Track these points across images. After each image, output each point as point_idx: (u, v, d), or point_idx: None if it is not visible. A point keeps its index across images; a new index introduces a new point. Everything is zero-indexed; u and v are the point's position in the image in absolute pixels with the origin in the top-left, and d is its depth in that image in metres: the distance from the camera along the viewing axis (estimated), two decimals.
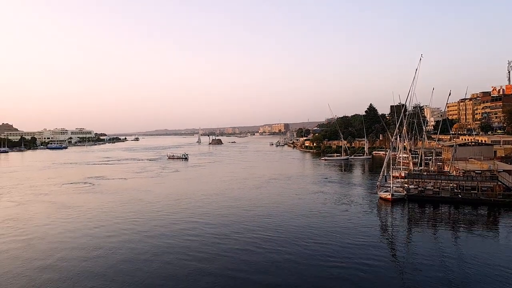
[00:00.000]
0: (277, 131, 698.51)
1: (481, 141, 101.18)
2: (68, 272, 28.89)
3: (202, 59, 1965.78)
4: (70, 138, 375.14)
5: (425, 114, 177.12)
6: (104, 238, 38.02)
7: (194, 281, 26.86)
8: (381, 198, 55.93)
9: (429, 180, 57.56)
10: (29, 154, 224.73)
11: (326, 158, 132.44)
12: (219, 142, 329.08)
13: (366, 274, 27.63)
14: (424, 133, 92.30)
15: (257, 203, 55.48)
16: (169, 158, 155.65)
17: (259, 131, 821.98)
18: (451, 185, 54.81)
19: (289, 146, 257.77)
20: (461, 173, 59.36)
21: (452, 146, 73.78)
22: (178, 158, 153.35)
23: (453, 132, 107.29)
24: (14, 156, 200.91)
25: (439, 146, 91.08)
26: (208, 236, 38.05)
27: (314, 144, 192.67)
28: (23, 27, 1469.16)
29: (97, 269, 29.45)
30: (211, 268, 29.17)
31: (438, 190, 54.53)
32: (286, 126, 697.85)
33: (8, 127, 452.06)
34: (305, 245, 34.60)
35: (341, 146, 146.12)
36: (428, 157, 79.77)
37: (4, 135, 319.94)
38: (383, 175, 59.82)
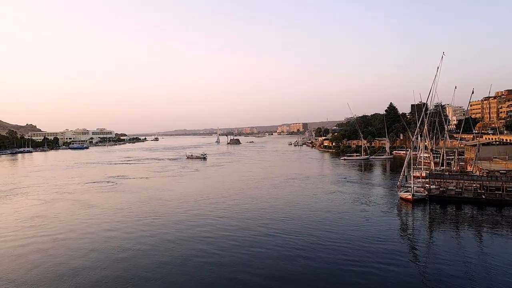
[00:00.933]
0: (295, 130, 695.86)
1: (506, 140, 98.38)
2: (98, 275, 29.59)
3: (220, 60, 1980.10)
4: (91, 138, 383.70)
5: (447, 113, 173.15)
6: (128, 240, 38.81)
7: (208, 284, 26.77)
8: (401, 198, 55.06)
9: (451, 180, 56.27)
10: (52, 154, 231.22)
11: (345, 157, 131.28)
12: (237, 142, 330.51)
13: (384, 278, 27.00)
14: (446, 132, 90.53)
15: (275, 203, 55.43)
16: (188, 158, 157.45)
17: (277, 131, 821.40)
18: (474, 185, 53.52)
19: (307, 145, 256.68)
20: (484, 173, 57.97)
21: (475, 145, 72.09)
22: (197, 157, 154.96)
23: (477, 131, 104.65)
24: (38, 156, 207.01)
25: (462, 145, 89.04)
26: (224, 237, 38.11)
27: (333, 144, 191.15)
28: (44, 30, 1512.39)
29: (125, 273, 30.01)
30: (226, 270, 29.10)
31: (460, 190, 53.32)
32: (305, 125, 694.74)
33: (32, 128, 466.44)
34: (322, 246, 34.22)
35: (360, 146, 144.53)
36: (450, 157, 78.13)
37: (28, 136, 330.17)
38: (403, 175, 58.88)
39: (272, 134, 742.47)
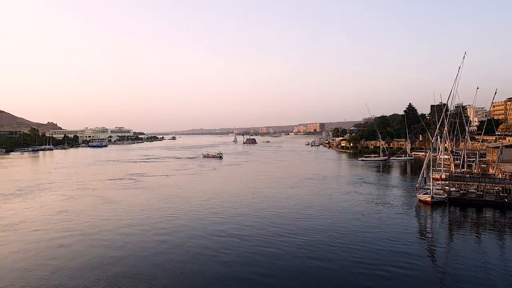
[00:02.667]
0: (312, 130, 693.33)
1: None
2: (123, 270, 30.57)
3: (235, 60, 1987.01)
4: (110, 136, 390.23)
5: (468, 114, 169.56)
6: (147, 236, 39.94)
7: (216, 283, 26.81)
8: (420, 200, 54.31)
9: (472, 183, 55.25)
10: (72, 151, 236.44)
11: (363, 158, 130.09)
12: (253, 141, 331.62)
13: (399, 282, 26.38)
14: (467, 133, 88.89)
15: (289, 203, 55.29)
16: (204, 156, 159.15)
17: (294, 131, 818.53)
18: (496, 188, 52.38)
19: (324, 146, 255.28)
20: (507, 175, 56.85)
21: (498, 147, 70.74)
22: (213, 157, 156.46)
23: (499, 133, 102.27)
24: (58, 154, 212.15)
25: (483, 147, 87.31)
26: (236, 236, 38.31)
27: (351, 144, 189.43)
28: (68, 28, 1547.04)
29: (142, 269, 30.80)
30: (235, 270, 29.11)
31: (482, 193, 52.23)
32: (322, 125, 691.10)
33: (53, 126, 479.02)
34: (336, 249, 33.62)
35: (379, 147, 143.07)
36: (471, 159, 76.74)
37: (49, 134, 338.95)
38: (422, 177, 58.27)
39: (288, 134, 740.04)
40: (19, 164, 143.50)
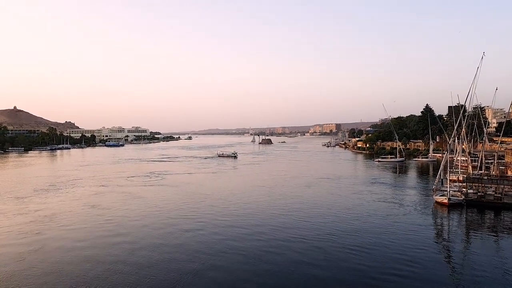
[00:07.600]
0: (328, 131, 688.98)
1: None
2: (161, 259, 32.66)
3: (251, 61, 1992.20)
4: (127, 136, 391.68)
5: (487, 115, 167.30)
6: (168, 229, 42.01)
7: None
8: (437, 202, 54.48)
9: (490, 185, 55.25)
10: (89, 151, 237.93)
11: (379, 159, 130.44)
12: (269, 142, 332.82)
13: (416, 285, 25.94)
14: (485, 135, 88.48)
15: (303, 202, 56.10)
16: (219, 156, 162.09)
17: (310, 131, 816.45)
18: None
19: (340, 146, 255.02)
20: None
21: None
22: (228, 156, 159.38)
23: None
24: (76, 153, 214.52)
25: (502, 149, 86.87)
26: (239, 237, 38.58)
27: (367, 145, 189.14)
28: (86, 27, 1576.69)
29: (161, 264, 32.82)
30: (240, 272, 28.99)
31: (500, 195, 52.25)
32: (338, 126, 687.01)
33: (70, 125, 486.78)
34: (348, 250, 33.32)
35: (395, 148, 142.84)
36: (489, 161, 76.57)
37: (67, 133, 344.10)
38: (439, 179, 58.44)
39: (304, 135, 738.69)
40: (41, 162, 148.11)
